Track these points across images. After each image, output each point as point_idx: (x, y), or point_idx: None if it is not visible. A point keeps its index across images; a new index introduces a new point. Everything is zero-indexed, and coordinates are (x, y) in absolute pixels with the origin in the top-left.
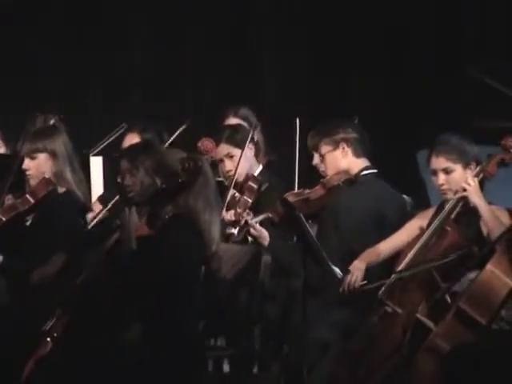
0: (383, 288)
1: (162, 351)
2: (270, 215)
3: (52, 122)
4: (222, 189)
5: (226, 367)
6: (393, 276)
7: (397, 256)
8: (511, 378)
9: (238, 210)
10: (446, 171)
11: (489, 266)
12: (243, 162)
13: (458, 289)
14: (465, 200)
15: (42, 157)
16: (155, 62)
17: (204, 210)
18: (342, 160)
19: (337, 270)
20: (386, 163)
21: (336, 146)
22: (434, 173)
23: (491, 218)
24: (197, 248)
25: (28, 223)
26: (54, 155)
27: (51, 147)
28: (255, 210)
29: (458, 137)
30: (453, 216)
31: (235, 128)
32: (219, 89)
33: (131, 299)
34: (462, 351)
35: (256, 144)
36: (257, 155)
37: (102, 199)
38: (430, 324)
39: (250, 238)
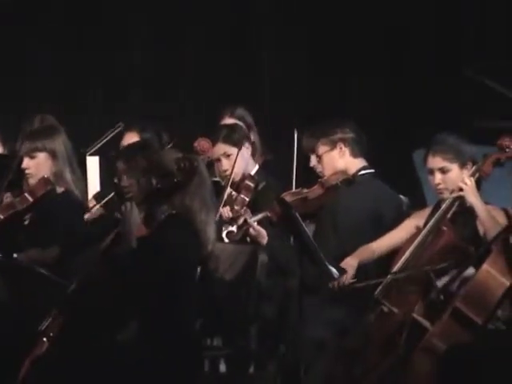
0: (379, 288)
1: (162, 351)
2: (269, 214)
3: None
4: (218, 189)
5: (223, 367)
6: (388, 277)
7: (393, 254)
8: (507, 378)
9: (236, 208)
10: (443, 171)
11: (485, 266)
12: (240, 162)
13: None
14: (461, 199)
15: (42, 156)
16: (155, 61)
17: (200, 210)
18: (339, 160)
19: (333, 269)
20: (386, 163)
21: (333, 146)
22: (431, 172)
23: (487, 218)
24: (193, 248)
25: (26, 222)
26: (53, 155)
27: (51, 147)
28: (252, 209)
29: (455, 136)
30: (449, 216)
31: (232, 127)
32: (219, 89)
33: (130, 299)
34: (459, 351)
35: (252, 144)
36: (253, 155)
37: (99, 197)
38: (426, 324)
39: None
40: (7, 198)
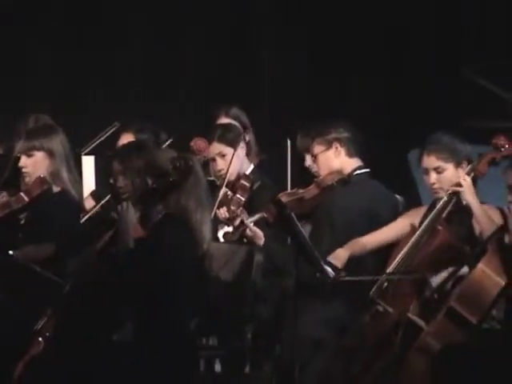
0: (374, 287)
1: (157, 351)
2: (265, 215)
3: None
4: (214, 188)
5: (218, 367)
6: (383, 276)
7: (390, 252)
8: (501, 378)
9: (232, 208)
10: (438, 170)
11: (480, 266)
12: (235, 161)
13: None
14: (458, 196)
15: (39, 155)
16: (155, 61)
17: (196, 210)
18: (334, 160)
19: (329, 269)
20: (386, 163)
21: (329, 145)
22: (426, 172)
23: (484, 217)
24: (189, 248)
25: (22, 222)
26: (50, 154)
27: (48, 146)
28: (247, 208)
29: (450, 136)
30: (444, 215)
31: (227, 127)
32: (219, 89)
33: (125, 299)
34: (453, 350)
35: (247, 143)
36: (248, 154)
37: (95, 195)
38: (421, 323)
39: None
40: (3, 197)
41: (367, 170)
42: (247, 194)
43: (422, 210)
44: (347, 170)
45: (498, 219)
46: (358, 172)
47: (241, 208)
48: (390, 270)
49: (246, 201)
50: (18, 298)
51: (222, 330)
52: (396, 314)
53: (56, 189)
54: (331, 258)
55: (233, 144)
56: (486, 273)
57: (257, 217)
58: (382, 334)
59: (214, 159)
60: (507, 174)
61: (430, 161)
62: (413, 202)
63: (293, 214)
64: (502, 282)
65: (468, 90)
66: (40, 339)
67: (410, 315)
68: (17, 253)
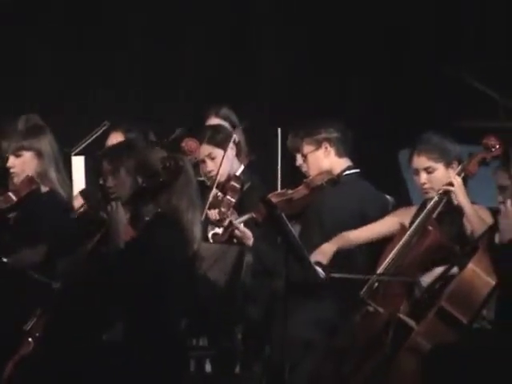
0: (365, 288)
1: (147, 351)
2: (254, 215)
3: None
4: (204, 189)
5: (208, 367)
6: (373, 277)
7: (378, 249)
8: (492, 378)
9: (222, 210)
10: (428, 170)
11: (470, 265)
12: (225, 163)
13: None
14: (448, 196)
15: (28, 155)
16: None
17: (187, 210)
18: (324, 160)
19: (319, 269)
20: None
21: (318, 145)
22: (416, 172)
23: (475, 217)
24: (179, 248)
25: (10, 222)
26: (39, 154)
27: (37, 146)
28: (238, 209)
29: (440, 136)
30: (435, 215)
31: (216, 128)
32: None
33: (116, 299)
34: (444, 350)
35: (237, 144)
36: (238, 155)
37: (84, 194)
38: (411, 323)
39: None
40: None
41: (357, 170)
42: (237, 195)
43: (413, 209)
44: (337, 170)
45: (488, 219)
46: (348, 172)
47: (231, 209)
48: (380, 270)
49: (237, 202)
50: (6, 299)
51: (212, 330)
52: (386, 314)
53: (44, 189)
54: (316, 253)
55: (222, 145)
56: (477, 272)
57: (245, 217)
58: (372, 334)
59: (203, 161)
60: (497, 175)
61: (421, 161)
62: (403, 202)
63: (283, 214)
64: (493, 282)
65: (459, 90)
66: (30, 339)
67: (400, 315)
68: (11, 259)
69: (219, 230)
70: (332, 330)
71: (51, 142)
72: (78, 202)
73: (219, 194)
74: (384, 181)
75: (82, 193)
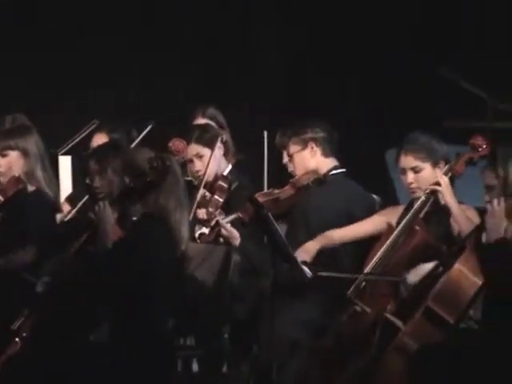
0: (352, 287)
1: (134, 351)
2: (241, 215)
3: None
4: (191, 188)
5: (196, 367)
6: (360, 276)
7: (365, 249)
8: (479, 378)
9: (210, 210)
10: (415, 170)
11: (457, 265)
12: (212, 162)
13: None
14: (435, 196)
15: (14, 155)
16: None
17: (175, 210)
18: (310, 160)
19: (306, 269)
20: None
21: (304, 145)
22: (403, 172)
23: (462, 217)
24: (167, 248)
25: None
26: (25, 154)
27: (23, 145)
28: (225, 209)
29: (427, 136)
30: (422, 215)
31: (204, 128)
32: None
33: (103, 299)
34: (431, 350)
35: (225, 143)
36: (226, 155)
37: (70, 199)
38: (398, 323)
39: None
40: None
41: (343, 169)
42: (225, 195)
43: (399, 209)
44: (323, 169)
45: (475, 219)
46: (334, 172)
47: (219, 209)
48: (367, 269)
49: (224, 202)
50: None
51: (200, 330)
52: (373, 313)
53: (31, 188)
54: (300, 251)
55: (210, 145)
56: (464, 272)
57: (232, 217)
58: (359, 334)
59: (191, 160)
60: (485, 174)
61: (408, 160)
62: (390, 201)
63: (269, 214)
64: (479, 282)
65: (446, 90)
66: (17, 339)
67: (387, 315)
68: (2, 259)
69: (206, 230)
70: (319, 330)
71: (37, 142)
72: (65, 208)
73: (207, 193)
74: (371, 180)
75: (68, 199)
